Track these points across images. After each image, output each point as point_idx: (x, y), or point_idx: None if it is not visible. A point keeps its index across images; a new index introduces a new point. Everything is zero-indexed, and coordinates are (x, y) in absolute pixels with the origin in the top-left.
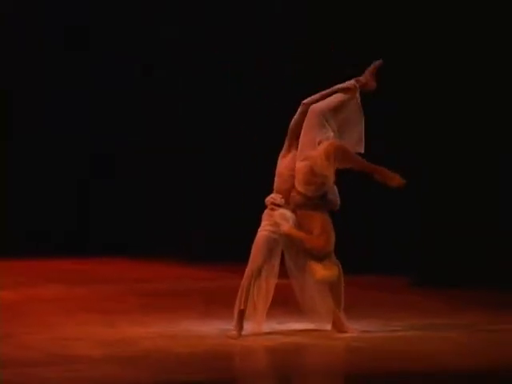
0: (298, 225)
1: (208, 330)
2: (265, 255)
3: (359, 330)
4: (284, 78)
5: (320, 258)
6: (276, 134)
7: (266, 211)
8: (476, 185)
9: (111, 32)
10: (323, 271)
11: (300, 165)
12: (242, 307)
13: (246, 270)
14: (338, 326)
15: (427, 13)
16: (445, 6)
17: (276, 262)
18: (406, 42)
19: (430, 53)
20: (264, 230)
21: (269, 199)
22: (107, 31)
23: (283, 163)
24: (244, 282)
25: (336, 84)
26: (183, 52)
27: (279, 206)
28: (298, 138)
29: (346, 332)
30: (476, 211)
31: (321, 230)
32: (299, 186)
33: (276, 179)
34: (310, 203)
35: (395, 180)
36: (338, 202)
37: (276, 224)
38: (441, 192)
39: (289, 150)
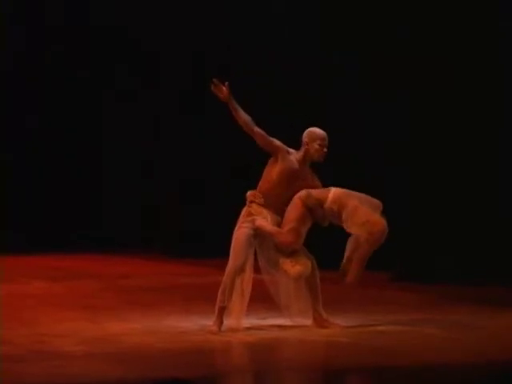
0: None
1: (189, 326)
2: (247, 252)
3: (340, 325)
4: (284, 77)
5: (288, 253)
6: (276, 134)
7: (245, 208)
8: (468, 181)
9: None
10: (295, 267)
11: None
12: (224, 304)
13: (228, 266)
14: (318, 321)
15: (427, 13)
16: (446, 7)
17: (253, 258)
18: (405, 42)
19: (430, 53)
20: (243, 227)
21: (249, 195)
22: None
23: (275, 169)
24: (226, 278)
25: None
26: (184, 52)
27: (258, 204)
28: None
29: (326, 327)
30: (464, 208)
31: (292, 226)
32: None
33: (264, 182)
34: (308, 201)
35: (351, 279)
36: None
37: (253, 220)
38: (431, 189)
39: (276, 160)
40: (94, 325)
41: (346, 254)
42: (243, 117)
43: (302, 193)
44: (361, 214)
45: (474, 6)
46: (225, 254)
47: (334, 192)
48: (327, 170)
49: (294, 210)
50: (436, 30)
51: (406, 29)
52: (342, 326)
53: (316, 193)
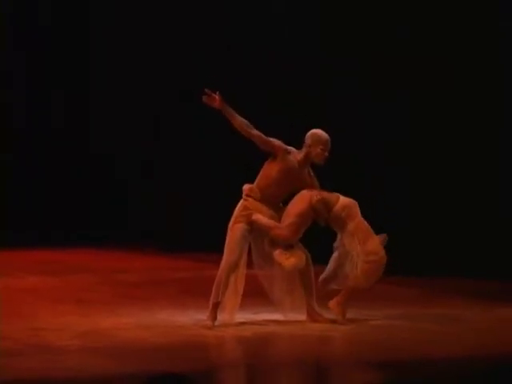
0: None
1: (183, 320)
2: (242, 248)
3: (333, 319)
4: (284, 77)
5: (283, 246)
6: (277, 134)
7: (240, 201)
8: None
9: None
10: (290, 260)
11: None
12: (218, 299)
13: (223, 262)
14: (312, 316)
15: (427, 13)
16: (446, 7)
17: (246, 253)
18: (405, 42)
19: (430, 53)
20: (239, 222)
21: (246, 189)
22: None
23: (274, 168)
24: (221, 274)
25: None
26: (186, 53)
27: (254, 198)
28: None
29: (320, 322)
30: (463, 206)
31: (293, 221)
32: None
33: (262, 178)
34: (317, 204)
35: (339, 315)
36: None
37: (249, 214)
38: (431, 188)
39: (276, 159)
40: (88, 319)
41: (330, 267)
42: (239, 121)
43: (313, 194)
44: (373, 242)
45: (474, 6)
46: (221, 248)
47: (343, 198)
48: (327, 170)
49: (299, 205)
50: (436, 30)
51: (405, 29)
52: (335, 320)
53: (326, 196)
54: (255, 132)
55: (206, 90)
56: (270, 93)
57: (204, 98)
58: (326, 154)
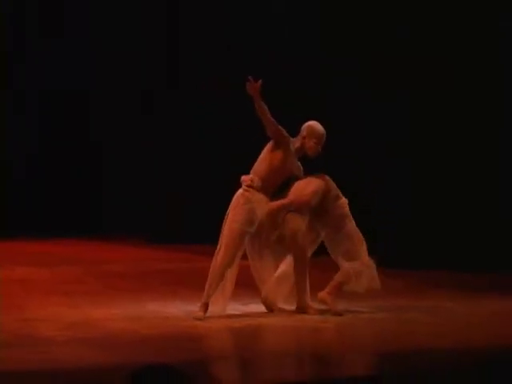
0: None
1: (173, 312)
2: (241, 245)
3: (324, 310)
4: (284, 77)
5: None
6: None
7: (240, 192)
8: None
9: None
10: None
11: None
12: (211, 293)
13: (220, 260)
14: (302, 307)
15: (427, 13)
16: (446, 8)
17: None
18: (405, 42)
19: (430, 53)
20: (239, 215)
21: (246, 179)
22: None
23: (277, 156)
24: (217, 268)
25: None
26: (186, 53)
27: (255, 189)
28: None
29: (311, 313)
30: (463, 206)
31: (316, 188)
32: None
33: (263, 167)
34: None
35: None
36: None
37: (250, 208)
38: (431, 188)
39: (278, 147)
40: (78, 310)
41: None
42: (264, 108)
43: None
44: (364, 249)
45: (474, 6)
46: (213, 240)
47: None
48: (327, 171)
49: (317, 180)
50: (436, 30)
51: (405, 29)
52: (325, 312)
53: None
54: (272, 119)
55: (250, 78)
56: (270, 93)
57: (247, 85)
58: (320, 148)
